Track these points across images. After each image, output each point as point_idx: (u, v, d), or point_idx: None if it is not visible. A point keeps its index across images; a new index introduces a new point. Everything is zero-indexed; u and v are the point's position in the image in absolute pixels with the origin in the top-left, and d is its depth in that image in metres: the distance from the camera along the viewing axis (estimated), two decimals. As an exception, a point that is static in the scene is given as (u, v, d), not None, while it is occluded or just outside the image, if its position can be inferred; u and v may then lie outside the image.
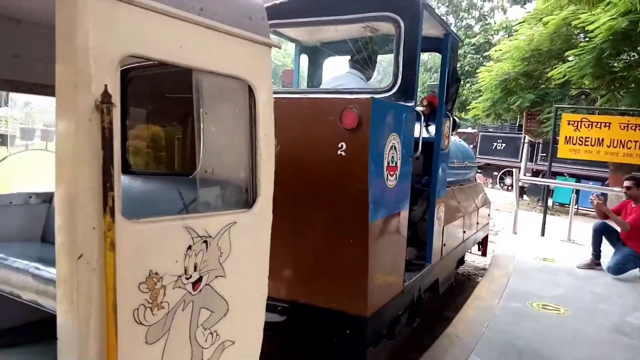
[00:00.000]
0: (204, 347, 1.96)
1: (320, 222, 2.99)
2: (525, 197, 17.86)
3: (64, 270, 1.53)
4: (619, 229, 6.68)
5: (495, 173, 20.94)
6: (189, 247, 1.80)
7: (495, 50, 16.44)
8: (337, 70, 4.40)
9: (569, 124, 9.44)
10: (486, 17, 28.12)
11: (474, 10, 28.32)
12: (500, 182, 20.93)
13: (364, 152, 2.94)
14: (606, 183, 13.70)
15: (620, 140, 8.85)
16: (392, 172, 3.33)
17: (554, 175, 15.34)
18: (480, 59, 24.08)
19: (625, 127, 8.92)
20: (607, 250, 6.84)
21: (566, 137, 9.39)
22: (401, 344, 4.23)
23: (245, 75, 2.03)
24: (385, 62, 5.51)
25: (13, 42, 2.53)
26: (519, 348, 3.98)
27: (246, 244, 2.06)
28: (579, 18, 11.10)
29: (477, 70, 18.74)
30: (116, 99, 1.48)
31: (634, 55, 10.98)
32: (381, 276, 3.25)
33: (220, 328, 2.01)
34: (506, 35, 22.69)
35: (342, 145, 2.96)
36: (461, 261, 6.32)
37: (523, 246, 8.31)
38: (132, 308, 1.62)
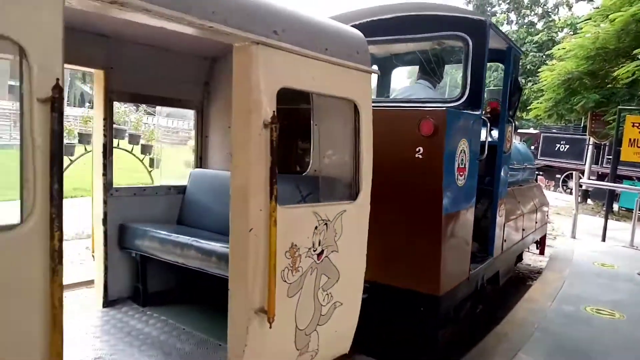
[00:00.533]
0: (322, 305, 2.64)
1: (400, 214, 3.50)
2: (589, 201, 17.29)
3: (237, 239, 2.24)
4: None
5: (558, 176, 20.30)
6: (316, 227, 2.50)
7: (559, 49, 16.01)
8: (405, 80, 4.81)
9: (633, 125, 9.19)
10: (550, 13, 27.23)
11: (537, 7, 27.50)
12: (563, 185, 20.27)
13: (439, 155, 3.50)
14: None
15: (691, 144, 8.56)
16: (461, 173, 3.85)
17: (621, 178, 14.79)
18: (543, 57, 23.41)
19: (696, 130, 8.60)
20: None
21: (630, 139, 9.14)
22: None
23: (353, 96, 2.71)
24: (450, 71, 5.84)
25: (163, 66, 3.50)
26: (568, 350, 4.04)
27: (352, 227, 2.74)
28: (650, 14, 10.75)
29: (539, 69, 18.32)
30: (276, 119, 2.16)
31: None
32: (451, 263, 3.73)
33: (334, 291, 2.69)
34: (571, 33, 21.94)
35: (419, 150, 3.53)
36: (519, 258, 6.62)
37: (581, 251, 8.19)
38: (280, 270, 2.27)
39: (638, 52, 11.22)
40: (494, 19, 27.37)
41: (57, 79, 1.50)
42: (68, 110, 17.67)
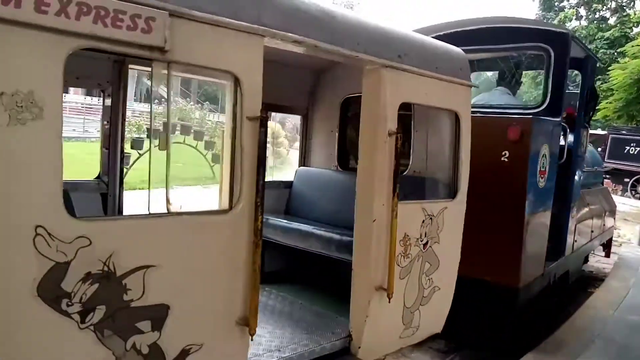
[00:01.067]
0: (424, 288, 3.09)
1: (486, 213, 3.75)
2: (661, 207, 16.51)
3: (361, 228, 2.72)
4: None
5: (627, 179, 19.40)
6: (423, 221, 2.96)
7: (633, 46, 15.40)
8: (484, 86, 5.06)
9: None
10: (624, 7, 25.90)
11: (609, 0, 26.22)
12: (631, 190, 19.37)
13: (524, 159, 3.91)
14: None
15: None
16: (542, 176, 4.24)
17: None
18: (614, 54, 22.38)
19: None
20: None
21: None
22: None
23: (456, 107, 3.17)
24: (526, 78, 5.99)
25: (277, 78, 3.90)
26: (631, 359, 3.96)
27: (451, 222, 3.17)
28: None
29: (610, 67, 17.61)
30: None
31: None
32: (529, 259, 4.13)
33: (434, 277, 3.14)
34: (647, 29, 20.87)
35: (505, 154, 3.92)
36: (586, 259, 6.83)
37: (649, 260, 7.98)
38: (396, 255, 2.70)
39: None
40: (561, 14, 26.36)
41: (263, 103, 2.04)
42: (135, 105, 18.88)
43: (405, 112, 3.26)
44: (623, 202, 15.53)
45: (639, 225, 9.79)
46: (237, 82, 1.98)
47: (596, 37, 24.45)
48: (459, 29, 4.76)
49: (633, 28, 24.28)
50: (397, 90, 2.68)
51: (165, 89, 2.04)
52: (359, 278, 2.75)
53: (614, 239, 8.75)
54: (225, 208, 2.05)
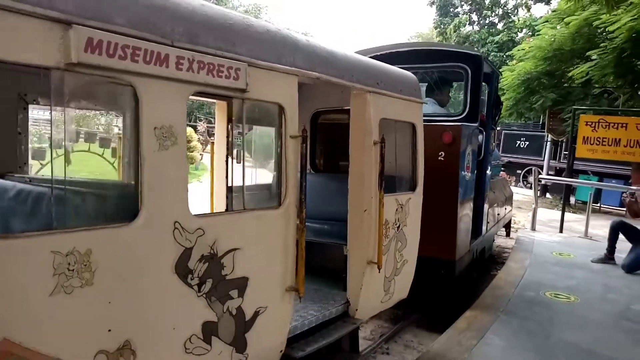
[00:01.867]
0: (397, 262, 3.91)
1: (429, 201, 4.34)
2: (548, 195, 18.05)
3: (354, 218, 3.43)
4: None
5: (519, 171, 21.08)
6: (396, 209, 3.78)
7: (518, 50, 16.65)
8: None
9: (586, 124, 9.74)
10: (510, 14, 28.15)
11: (497, 8, 28.37)
12: (523, 180, 21.08)
13: (456, 158, 4.95)
14: (629, 181, 13.88)
15: (637, 141, 9.14)
16: (468, 171, 5.29)
17: (578, 173, 15.53)
18: (504, 57, 24.22)
19: (642, 128, 9.21)
20: (623, 247, 7.20)
21: (584, 137, 9.69)
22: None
23: (413, 120, 4.06)
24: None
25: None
26: (530, 329, 4.46)
27: (413, 209, 4.05)
28: (600, 19, 11.37)
29: (500, 69, 18.97)
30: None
31: (659, 54, 11.18)
32: (461, 237, 5.14)
33: (404, 252, 3.99)
34: (530, 34, 22.80)
35: (441, 154, 4.95)
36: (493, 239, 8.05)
37: (541, 242, 8.71)
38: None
39: (591, 53, 11.87)
40: (456, 20, 28.08)
41: (304, 125, 2.75)
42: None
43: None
44: (516, 192, 16.83)
45: (530, 212, 10.58)
46: (282, 110, 2.67)
47: (487, 41, 26.32)
48: (393, 51, 5.72)
49: (518, 33, 26.41)
50: (377, 109, 3.47)
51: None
52: (354, 256, 3.50)
53: (511, 224, 10.01)
54: (275, 205, 2.74)
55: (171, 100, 2.07)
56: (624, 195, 7.48)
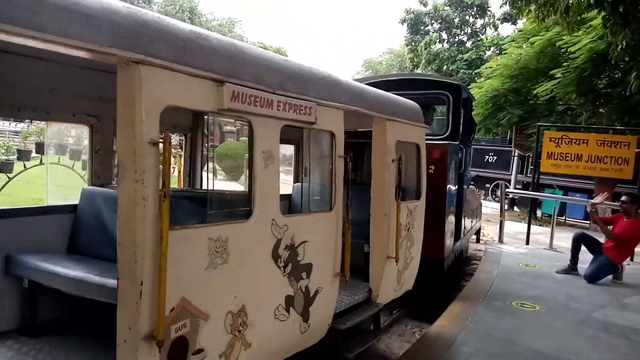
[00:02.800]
0: (407, 258, 4.75)
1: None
2: (515, 208, 18.52)
3: (376, 221, 4.23)
4: (602, 240, 7.32)
5: (487, 185, 21.54)
6: (407, 214, 4.61)
7: (486, 68, 17.18)
8: None
9: (550, 140, 10.12)
10: (478, 33, 29.01)
11: (466, 26, 29.20)
12: (492, 194, 21.54)
13: (444, 171, 5.93)
14: (593, 195, 14.39)
15: (597, 156, 9.55)
16: (452, 182, 6.24)
17: (543, 187, 16.00)
18: (472, 74, 24.89)
19: (602, 144, 9.64)
20: (585, 257, 7.48)
21: (548, 152, 10.07)
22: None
23: (418, 141, 4.93)
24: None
25: None
26: (497, 338, 4.61)
27: (419, 215, 4.92)
28: (563, 39, 11.89)
29: (469, 86, 19.48)
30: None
31: (616, 73, 11.73)
32: (447, 240, 6.08)
33: (411, 250, 4.84)
34: (497, 52, 23.54)
35: (432, 167, 5.73)
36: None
37: (508, 254, 8.96)
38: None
39: (555, 72, 12.37)
40: (427, 38, 28.77)
41: (347, 149, 3.61)
42: (7, 126, 17.10)
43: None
44: (485, 205, 17.20)
45: (498, 225, 10.86)
46: (333, 136, 3.49)
47: (457, 59, 27.02)
48: (387, 79, 6.79)
49: (486, 51, 27.22)
50: (393, 133, 4.27)
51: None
52: (375, 252, 4.27)
53: (480, 236, 10.50)
54: (329, 209, 3.52)
55: (271, 132, 2.86)
56: (588, 207, 7.80)
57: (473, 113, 16.44)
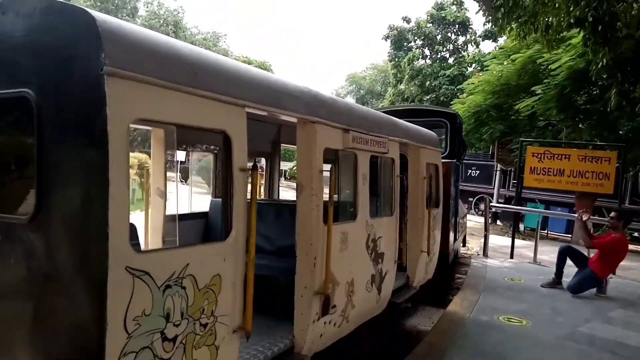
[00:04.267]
0: (433, 253, 6.16)
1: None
2: (498, 222, 18.70)
3: (412, 223, 5.64)
4: (588, 254, 7.43)
5: (470, 199, 21.74)
6: (432, 219, 5.87)
7: (468, 84, 17.43)
8: None
9: (533, 155, 10.26)
10: (460, 50, 29.51)
11: (448, 43, 29.70)
12: (475, 208, 21.74)
13: (449, 185, 7.36)
14: (574, 209, 14.60)
15: (579, 171, 9.69)
16: (455, 194, 7.83)
17: (526, 201, 16.20)
18: (455, 90, 25.26)
19: (583, 159, 9.79)
20: (569, 271, 7.55)
21: (531, 167, 10.20)
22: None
23: (437, 162, 6.38)
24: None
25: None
26: (485, 352, 4.62)
27: (438, 219, 6.41)
28: (543, 57, 12.15)
29: (451, 102, 19.75)
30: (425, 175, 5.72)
31: (595, 90, 12.01)
32: (451, 240, 7.60)
33: (434, 247, 6.21)
34: (479, 68, 23.95)
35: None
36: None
37: (493, 268, 9.02)
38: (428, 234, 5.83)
39: (536, 88, 12.60)
40: (410, 54, 29.16)
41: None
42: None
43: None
44: (469, 219, 17.36)
45: (482, 239, 10.93)
46: (393, 161, 4.79)
47: (439, 75, 27.40)
48: (399, 109, 8.59)
49: (468, 68, 27.66)
50: (424, 157, 5.63)
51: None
52: (412, 247, 5.53)
53: (464, 252, 10.72)
54: (390, 214, 4.80)
55: (366, 162, 4.10)
56: (578, 214, 7.97)
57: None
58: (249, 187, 2.69)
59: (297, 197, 3.33)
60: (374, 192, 4.70)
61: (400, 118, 5.37)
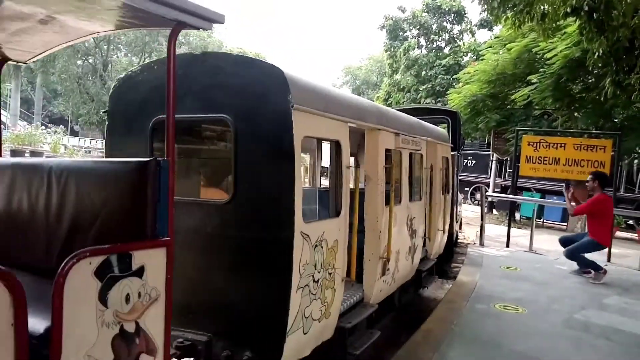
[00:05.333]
0: (444, 230, 7.30)
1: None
2: (494, 211, 18.78)
3: (434, 206, 6.58)
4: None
5: (467, 188, 21.79)
6: (445, 202, 7.18)
7: (464, 73, 17.40)
8: None
9: (529, 144, 10.32)
10: (455, 39, 29.41)
11: (444, 32, 29.58)
12: (471, 197, 21.81)
13: (453, 174, 8.03)
14: (569, 195, 14.67)
15: (575, 159, 9.77)
16: (456, 181, 8.69)
17: (521, 190, 16.27)
18: (450, 79, 25.22)
19: (579, 148, 9.86)
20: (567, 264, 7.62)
21: (527, 156, 10.26)
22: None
23: (448, 155, 7.35)
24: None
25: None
26: (482, 340, 4.66)
27: (449, 203, 7.55)
28: (539, 46, 12.14)
29: (447, 92, 19.73)
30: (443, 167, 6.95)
31: (590, 79, 12.03)
32: (450, 224, 7.90)
33: (445, 228, 7.29)
34: (474, 57, 23.90)
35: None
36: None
37: (489, 257, 9.08)
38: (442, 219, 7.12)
39: (531, 78, 12.61)
40: (406, 43, 29.07)
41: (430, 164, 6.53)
42: None
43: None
44: (465, 209, 17.43)
45: (478, 228, 11.00)
46: (422, 156, 5.81)
47: (435, 65, 27.32)
48: (409, 108, 10.20)
49: (463, 57, 27.60)
50: (440, 152, 6.64)
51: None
52: (432, 227, 6.45)
53: (460, 241, 10.78)
54: (420, 198, 5.82)
55: (407, 157, 5.10)
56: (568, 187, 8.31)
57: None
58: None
59: (365, 186, 4.25)
60: (410, 181, 5.40)
61: (412, 115, 6.24)
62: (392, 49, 29.98)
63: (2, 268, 1.53)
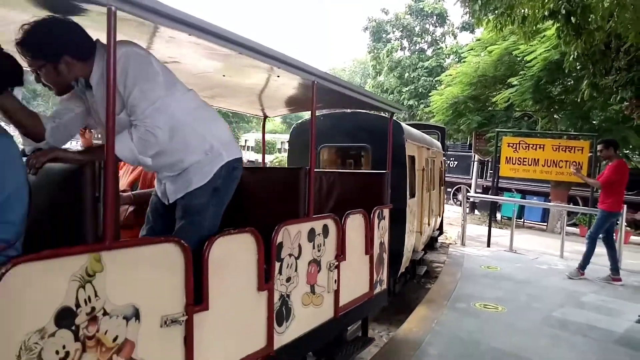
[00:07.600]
0: (441, 216, 10.49)
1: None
2: (476, 211, 19.00)
3: (435, 194, 8.93)
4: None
5: (449, 189, 22.00)
6: (439, 194, 9.92)
7: (446, 75, 17.58)
8: None
9: (508, 145, 10.48)
10: (438, 41, 29.67)
11: (426, 35, 29.83)
12: (453, 198, 22.02)
13: (441, 173, 10.13)
14: (549, 198, 14.93)
15: (553, 160, 9.95)
16: (443, 180, 10.49)
17: (502, 191, 16.50)
18: (433, 81, 25.44)
19: (557, 149, 10.04)
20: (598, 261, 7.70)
21: (507, 157, 10.42)
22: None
23: (441, 159, 10.01)
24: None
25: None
26: (462, 338, 4.72)
27: (442, 196, 10.33)
28: (519, 48, 12.35)
29: (430, 93, 19.89)
30: (424, 168, 7.91)
31: (569, 81, 12.27)
32: (438, 219, 10.06)
33: (441, 214, 10.49)
34: (456, 59, 24.15)
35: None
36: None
37: (470, 257, 9.18)
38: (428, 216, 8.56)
39: (512, 80, 12.81)
40: (389, 45, 29.24)
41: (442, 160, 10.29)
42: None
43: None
44: (447, 209, 17.58)
45: (460, 228, 11.11)
46: (434, 161, 8.40)
47: (418, 66, 27.53)
48: (412, 123, 10.29)
49: (446, 59, 27.86)
50: (438, 158, 8.99)
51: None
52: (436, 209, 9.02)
53: (442, 240, 10.90)
54: (433, 188, 8.42)
55: (431, 162, 7.88)
56: (572, 167, 8.28)
57: (434, 120, 17.21)
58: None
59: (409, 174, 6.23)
60: (431, 178, 7.55)
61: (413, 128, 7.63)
62: (375, 51, 30.13)
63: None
